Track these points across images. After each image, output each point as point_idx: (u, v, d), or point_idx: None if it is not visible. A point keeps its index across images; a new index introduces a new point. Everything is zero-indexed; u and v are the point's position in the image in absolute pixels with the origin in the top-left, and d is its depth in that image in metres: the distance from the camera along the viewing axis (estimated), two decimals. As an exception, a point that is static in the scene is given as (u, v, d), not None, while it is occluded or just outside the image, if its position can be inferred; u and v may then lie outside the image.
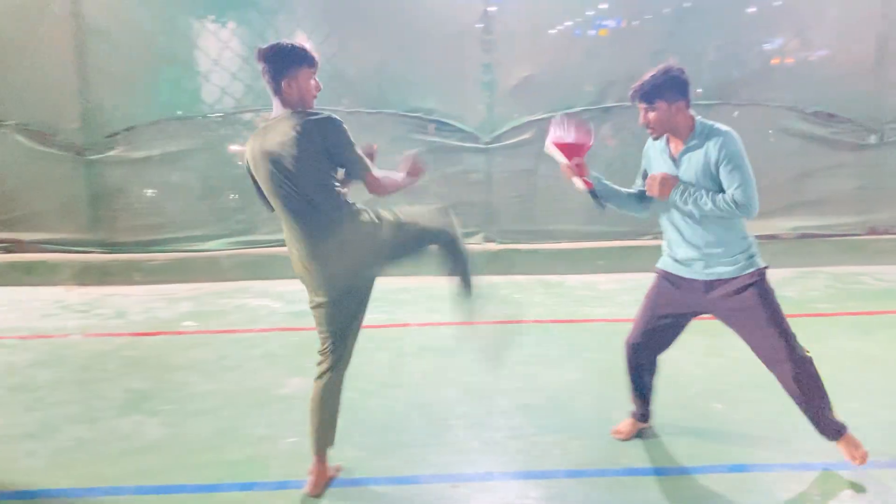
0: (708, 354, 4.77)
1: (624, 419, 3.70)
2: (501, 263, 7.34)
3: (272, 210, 3.14)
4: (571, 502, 3.08)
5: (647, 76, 3.13)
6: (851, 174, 7.46)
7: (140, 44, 7.33)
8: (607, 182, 3.39)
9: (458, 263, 3.32)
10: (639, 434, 3.65)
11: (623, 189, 3.46)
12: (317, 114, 2.96)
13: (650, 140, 3.33)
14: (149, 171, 7.48)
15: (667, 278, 3.38)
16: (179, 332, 5.63)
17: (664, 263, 3.40)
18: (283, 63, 2.98)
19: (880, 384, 4.25)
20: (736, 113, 7.41)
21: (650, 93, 3.11)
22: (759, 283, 3.18)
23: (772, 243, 7.30)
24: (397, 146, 7.41)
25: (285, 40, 3.05)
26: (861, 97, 7.45)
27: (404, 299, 6.33)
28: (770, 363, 3.22)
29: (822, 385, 3.21)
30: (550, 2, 7.59)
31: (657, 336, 3.46)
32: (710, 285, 3.23)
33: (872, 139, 7.47)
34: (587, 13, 7.68)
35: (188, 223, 7.54)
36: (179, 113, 7.45)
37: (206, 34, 7.45)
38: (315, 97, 3.08)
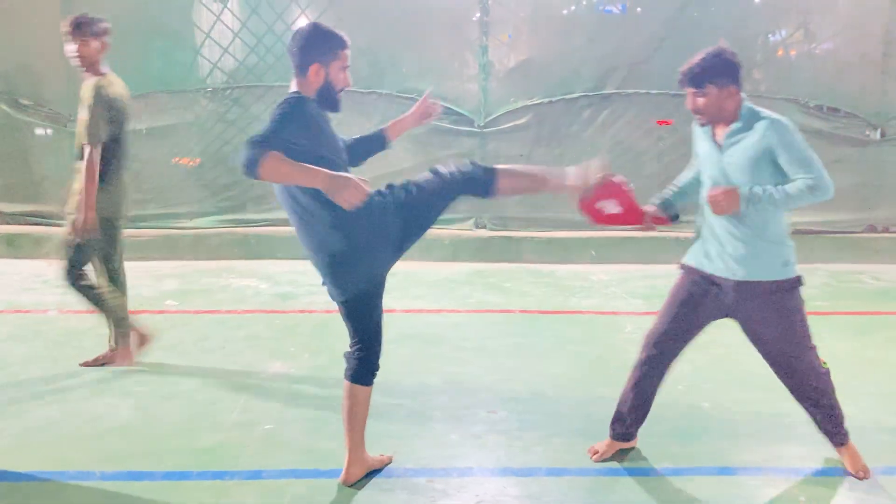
0: (694, 351, 4.66)
1: (604, 438, 3.37)
2: (492, 251, 7.22)
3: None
4: (550, 501, 2.97)
5: (696, 58, 2.91)
6: (851, 170, 7.32)
7: (129, 13, 7.15)
8: (674, 196, 3.29)
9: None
10: (622, 453, 3.35)
11: (682, 184, 3.32)
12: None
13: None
14: (135, 145, 7.30)
15: (693, 275, 3.14)
16: (161, 311, 5.51)
17: (694, 259, 3.16)
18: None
19: (877, 387, 4.15)
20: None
21: (699, 76, 2.89)
22: (790, 292, 3.00)
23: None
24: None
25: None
26: (865, 91, 7.32)
27: (389, 284, 6.19)
28: (784, 374, 3.11)
29: (835, 396, 3.13)
30: (552, -15, 7.45)
31: (676, 337, 3.19)
32: (738, 286, 3.00)
33: (875, 135, 7.34)
34: (587, 1, 7.54)
35: (175, 199, 7.40)
36: (169, 86, 7.29)
37: (198, 6, 7.27)
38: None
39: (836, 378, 4.23)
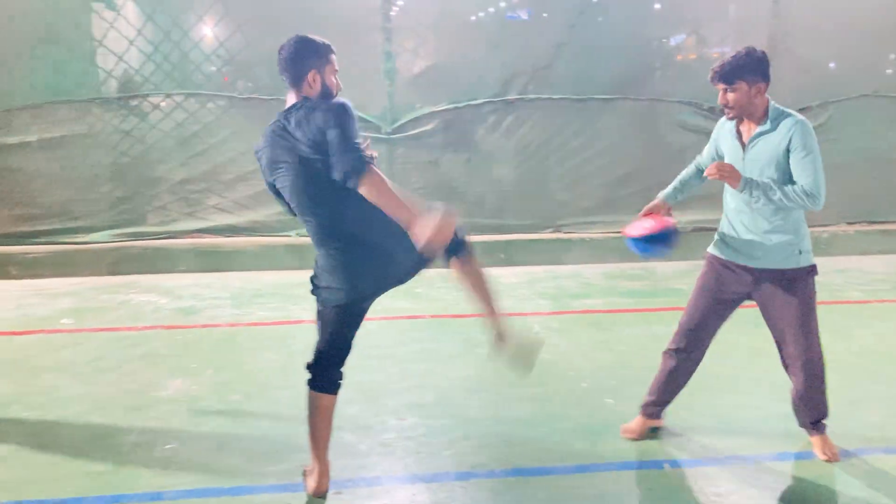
0: (597, 349, 4.78)
1: (635, 418, 3.60)
2: (403, 256, 7.21)
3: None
4: (458, 507, 2.98)
5: (727, 57, 3.09)
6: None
7: (18, 21, 6.83)
8: (675, 191, 3.50)
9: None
10: (653, 431, 3.58)
11: (682, 179, 3.52)
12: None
13: (723, 119, 3.29)
14: (26, 157, 6.99)
15: (716, 263, 3.36)
16: (54, 331, 5.25)
17: (718, 248, 3.38)
18: None
19: (766, 376, 4.32)
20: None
21: (731, 73, 3.07)
22: (805, 280, 3.21)
23: (668, 236, 7.42)
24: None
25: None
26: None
27: (296, 294, 6.11)
28: (790, 357, 3.29)
29: (825, 387, 3.31)
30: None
31: (711, 322, 3.41)
32: (760, 274, 3.23)
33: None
34: (492, 8, 7.63)
35: (69, 214, 7.08)
36: (62, 96, 6.98)
37: (90, 14, 7.00)
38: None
39: (730, 370, 4.41)
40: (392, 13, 7.29)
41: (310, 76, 2.83)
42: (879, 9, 7.55)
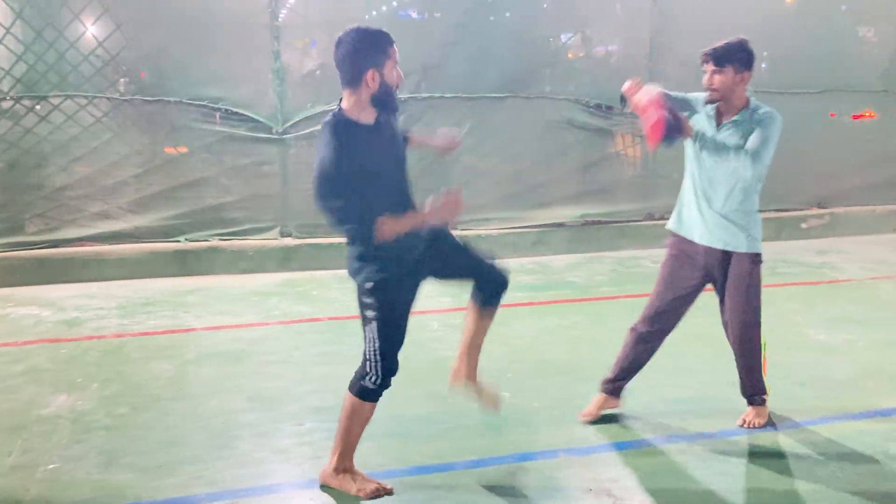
0: (494, 343, 4.85)
1: (593, 398, 3.71)
2: (299, 258, 7.10)
3: None
4: (358, 509, 2.97)
5: (721, 41, 3.28)
6: (630, 163, 7.93)
7: None
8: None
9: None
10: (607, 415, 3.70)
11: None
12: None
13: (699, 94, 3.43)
14: None
15: (676, 243, 3.54)
16: (-78, 351, 4.91)
17: (676, 225, 3.56)
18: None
19: (660, 363, 4.49)
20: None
21: (723, 56, 3.25)
22: (753, 264, 3.43)
23: (560, 231, 7.60)
24: (180, 136, 6.96)
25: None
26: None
27: (191, 301, 5.93)
28: (735, 336, 3.53)
29: (761, 366, 3.62)
30: (340, -10, 7.44)
31: (675, 308, 3.56)
32: (711, 252, 3.43)
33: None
34: (384, 6, 7.62)
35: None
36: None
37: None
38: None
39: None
40: (282, 12, 7.15)
41: (368, 75, 2.74)
42: (754, 8, 7.96)
